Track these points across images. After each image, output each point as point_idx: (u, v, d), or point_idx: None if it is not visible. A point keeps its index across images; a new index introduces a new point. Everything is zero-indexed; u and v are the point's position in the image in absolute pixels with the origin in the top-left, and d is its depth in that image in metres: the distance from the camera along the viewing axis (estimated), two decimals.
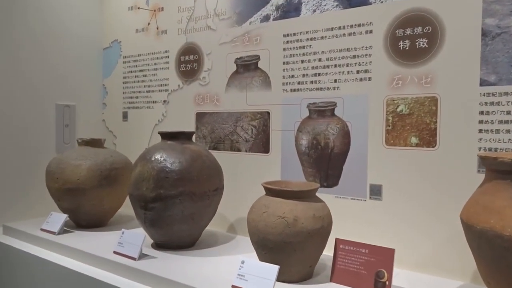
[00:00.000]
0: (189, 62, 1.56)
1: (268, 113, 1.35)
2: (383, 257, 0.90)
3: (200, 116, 1.53)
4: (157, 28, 1.66)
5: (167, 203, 1.11)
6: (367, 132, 1.15)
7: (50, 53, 1.68)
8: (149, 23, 1.69)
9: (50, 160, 1.46)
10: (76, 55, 1.77)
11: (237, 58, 1.42)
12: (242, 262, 0.92)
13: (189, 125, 1.55)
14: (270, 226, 0.91)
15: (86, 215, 1.38)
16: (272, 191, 0.97)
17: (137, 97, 1.75)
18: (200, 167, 1.16)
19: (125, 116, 1.80)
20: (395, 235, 1.10)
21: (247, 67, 1.40)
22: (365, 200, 1.16)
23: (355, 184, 1.18)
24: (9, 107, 1.56)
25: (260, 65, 1.37)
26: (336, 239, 0.98)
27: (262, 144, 1.37)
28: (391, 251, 0.90)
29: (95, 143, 1.45)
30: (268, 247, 0.93)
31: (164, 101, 1.64)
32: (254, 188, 1.37)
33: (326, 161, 1.23)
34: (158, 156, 1.15)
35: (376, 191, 1.14)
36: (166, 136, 1.22)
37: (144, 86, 1.72)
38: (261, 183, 1.03)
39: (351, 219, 1.17)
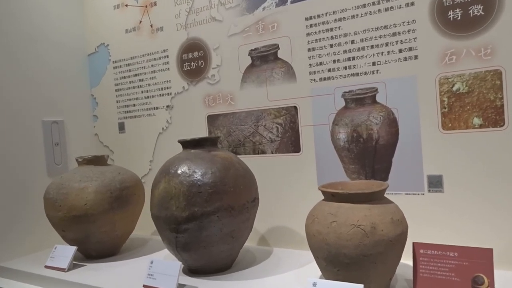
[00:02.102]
0: (193, 60, 1.39)
1: (295, 107, 1.20)
2: (479, 259, 0.77)
3: (212, 119, 1.36)
4: (151, 26, 1.48)
5: (203, 222, 0.94)
6: (418, 117, 1.02)
7: (26, 62, 1.47)
8: (140, 21, 1.51)
9: (47, 186, 1.26)
10: (57, 64, 1.57)
11: (252, 50, 1.27)
12: (314, 285, 0.77)
13: (200, 130, 1.38)
14: (344, 238, 0.77)
15: (97, 244, 1.19)
16: (337, 195, 0.82)
17: (134, 105, 1.56)
18: (235, 176, 1.00)
19: (121, 127, 1.61)
20: (462, 232, 0.97)
21: (265, 58, 1.24)
22: (423, 194, 1.03)
23: (409, 177, 1.04)
24: None
25: (280, 55, 1.22)
26: (414, 243, 0.84)
27: (291, 143, 1.22)
28: (489, 252, 0.77)
29: (98, 161, 1.26)
30: (342, 263, 0.78)
31: (167, 106, 1.47)
32: (286, 193, 1.22)
33: (371, 154, 1.09)
34: (185, 168, 0.98)
35: (435, 183, 1.01)
36: (188, 144, 1.06)
37: (142, 92, 1.53)
38: (319, 187, 0.88)
39: (408, 217, 1.04)
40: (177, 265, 0.94)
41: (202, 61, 1.37)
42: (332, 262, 0.79)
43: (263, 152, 1.27)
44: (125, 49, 1.56)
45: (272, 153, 1.25)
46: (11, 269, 1.21)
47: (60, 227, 1.17)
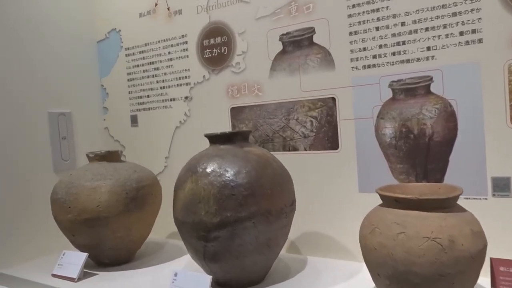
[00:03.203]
0: (216, 46, 1.26)
1: (333, 99, 1.07)
2: None
3: (236, 112, 1.23)
4: (168, 9, 1.35)
5: (236, 229, 0.81)
6: (481, 110, 0.89)
7: (30, 49, 1.34)
8: (156, 4, 1.38)
9: (53, 184, 1.13)
10: (64, 52, 1.43)
11: (283, 34, 1.13)
12: None
13: (223, 124, 1.25)
14: (415, 254, 0.64)
15: (110, 251, 1.07)
16: (403, 201, 0.68)
17: (148, 96, 1.43)
18: (272, 176, 0.86)
19: (134, 120, 1.48)
20: None
21: (298, 44, 1.11)
22: (486, 199, 0.90)
23: (469, 179, 0.91)
24: None
25: (315, 39, 1.09)
26: (491, 259, 0.71)
27: (327, 139, 1.09)
28: None
29: (111, 156, 1.13)
30: (412, 283, 0.65)
31: (186, 97, 1.33)
32: (321, 195, 1.09)
33: (423, 152, 0.96)
34: (215, 167, 0.85)
35: (502, 186, 0.88)
36: (218, 139, 0.92)
37: (157, 82, 1.40)
38: (376, 190, 0.75)
39: None
40: (207, 279, 0.81)
41: (226, 47, 1.24)
42: (398, 281, 0.66)
43: (295, 149, 1.14)
44: (139, 35, 1.43)
45: (305, 150, 1.12)
46: (14, 277, 1.09)
47: (69, 231, 1.05)
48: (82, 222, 1.01)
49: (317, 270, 0.99)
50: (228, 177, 0.83)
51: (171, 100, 1.37)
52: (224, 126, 1.25)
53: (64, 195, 1.03)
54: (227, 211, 0.81)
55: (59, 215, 1.05)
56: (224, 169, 0.84)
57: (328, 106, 1.08)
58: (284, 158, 1.12)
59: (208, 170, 0.85)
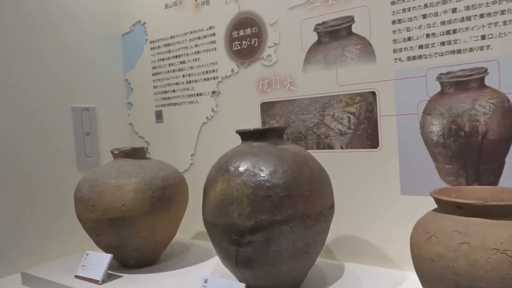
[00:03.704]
0: (245, 38, 1.19)
1: (374, 93, 0.99)
2: None
3: (267, 107, 1.16)
4: (195, 0, 1.29)
5: (272, 233, 0.74)
6: None
7: (53, 44, 1.30)
8: None
9: (76, 181, 1.09)
10: (88, 46, 1.39)
11: (318, 24, 1.06)
12: None
13: (252, 120, 1.19)
14: (482, 268, 0.56)
15: (134, 252, 1.02)
16: (466, 207, 0.60)
17: (173, 91, 1.38)
18: (310, 176, 0.79)
19: (159, 116, 1.43)
20: None
21: (335, 34, 1.03)
22: None
23: None
24: (11, 117, 1.18)
25: (354, 29, 1.01)
26: None
27: (366, 137, 1.01)
28: None
29: (136, 153, 1.08)
30: None
31: (213, 92, 1.27)
32: (358, 197, 1.01)
33: (475, 152, 0.87)
34: (248, 165, 0.78)
35: None
36: (250, 135, 0.86)
37: (183, 76, 1.35)
38: (431, 193, 0.67)
39: None
40: (240, 287, 0.75)
41: (256, 39, 1.17)
42: None
43: (330, 147, 1.06)
44: (165, 27, 1.38)
45: (342, 148, 1.04)
46: (36, 277, 1.05)
47: (93, 231, 1.00)
48: (106, 222, 0.96)
49: (355, 277, 0.91)
50: (263, 176, 0.76)
51: (197, 95, 1.31)
52: (254, 122, 1.18)
53: (88, 193, 0.99)
54: (262, 214, 0.74)
55: (82, 213, 1.00)
56: (259, 168, 0.77)
57: (368, 101, 1.00)
58: (318, 156, 1.05)
59: (241, 169, 0.78)
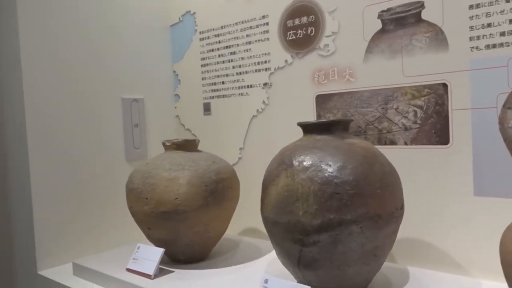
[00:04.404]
0: (301, 27, 1.14)
1: (445, 85, 0.91)
2: None
3: (323, 100, 1.10)
4: None
5: (340, 233, 0.69)
6: None
7: (101, 35, 1.28)
8: None
9: (125, 172, 1.08)
10: (136, 37, 1.37)
11: (383, 11, 0.99)
12: None
13: (306, 113, 1.13)
14: None
15: (186, 247, 0.99)
16: None
17: (223, 83, 1.34)
18: (381, 173, 0.73)
19: (207, 108, 1.40)
20: None
21: (402, 21, 0.96)
22: None
23: None
24: (64, 109, 1.18)
25: (424, 15, 0.93)
26: None
27: (434, 132, 0.93)
28: None
29: (188, 146, 1.05)
30: None
31: (265, 84, 1.23)
32: (424, 198, 0.94)
33: None
34: (314, 160, 0.73)
35: None
36: (313, 128, 0.80)
37: (233, 67, 1.31)
38: None
39: None
40: None
41: (313, 27, 1.11)
42: None
43: (393, 143, 0.99)
44: (215, 17, 1.34)
45: (406, 144, 0.97)
46: (87, 268, 1.04)
47: (145, 224, 0.98)
48: (159, 216, 0.94)
49: (423, 284, 0.84)
50: (331, 172, 0.71)
51: (248, 87, 1.27)
52: (308, 115, 1.13)
53: (141, 185, 0.97)
54: (330, 213, 0.69)
55: (134, 206, 0.98)
56: (326, 163, 0.72)
57: (438, 94, 0.92)
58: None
59: (306, 163, 0.73)
